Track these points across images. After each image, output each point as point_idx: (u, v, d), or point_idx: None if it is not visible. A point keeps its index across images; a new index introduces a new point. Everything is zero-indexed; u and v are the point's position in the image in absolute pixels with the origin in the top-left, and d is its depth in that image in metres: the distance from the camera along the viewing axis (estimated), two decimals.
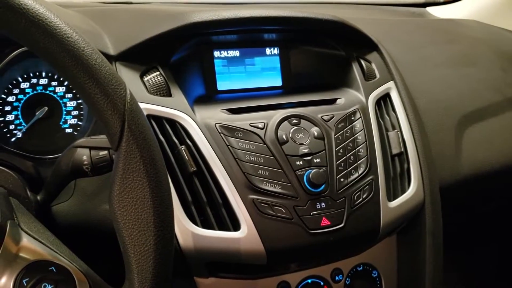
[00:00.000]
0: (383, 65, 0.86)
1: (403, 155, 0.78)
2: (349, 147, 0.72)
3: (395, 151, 0.77)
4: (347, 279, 0.73)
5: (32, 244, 0.49)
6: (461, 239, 1.22)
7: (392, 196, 0.74)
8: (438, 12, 1.36)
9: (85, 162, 0.59)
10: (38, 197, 0.64)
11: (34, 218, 0.54)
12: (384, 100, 0.82)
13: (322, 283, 0.71)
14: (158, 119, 0.66)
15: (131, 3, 1.02)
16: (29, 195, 0.62)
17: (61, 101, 0.76)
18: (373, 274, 0.75)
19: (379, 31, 0.93)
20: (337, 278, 0.72)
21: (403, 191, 0.75)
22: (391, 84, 0.83)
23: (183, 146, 0.65)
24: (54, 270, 0.48)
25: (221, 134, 0.67)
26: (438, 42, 1.04)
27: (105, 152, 0.59)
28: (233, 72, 0.79)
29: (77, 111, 0.76)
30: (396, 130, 0.78)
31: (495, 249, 1.38)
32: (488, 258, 1.40)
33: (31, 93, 0.75)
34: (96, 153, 0.59)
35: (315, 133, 0.70)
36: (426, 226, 0.78)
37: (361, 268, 0.74)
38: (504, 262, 1.38)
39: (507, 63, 1.04)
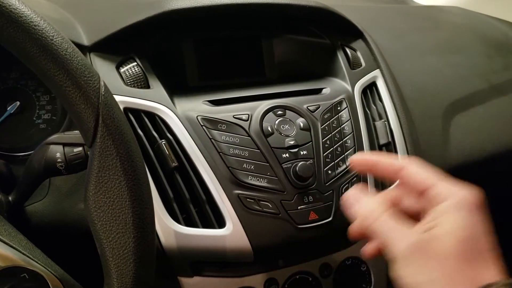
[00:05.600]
0: (369, 53, 0.84)
1: (390, 145, 0.76)
2: (336, 138, 0.70)
3: (382, 141, 0.75)
4: (336, 273, 0.71)
5: (2, 249, 0.45)
6: None
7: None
8: None
9: (59, 160, 0.56)
10: (10, 198, 0.60)
11: (5, 221, 0.50)
12: (370, 89, 0.80)
13: (310, 279, 0.70)
14: (136, 112, 0.63)
15: None
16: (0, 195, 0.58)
17: (33, 95, 0.72)
18: (362, 268, 0.73)
19: (363, 18, 0.92)
20: (325, 273, 0.70)
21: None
22: (377, 72, 0.82)
23: (163, 140, 0.62)
24: (27, 277, 0.45)
25: (204, 127, 0.64)
26: (423, 29, 1.03)
27: (80, 148, 0.56)
28: (214, 62, 0.76)
29: (51, 106, 0.73)
30: (383, 120, 0.77)
31: None
32: None
33: (1, 88, 0.71)
34: (70, 150, 0.56)
35: (301, 124, 0.68)
36: None
37: (349, 262, 0.72)
38: None
39: (492, 49, 1.04)
